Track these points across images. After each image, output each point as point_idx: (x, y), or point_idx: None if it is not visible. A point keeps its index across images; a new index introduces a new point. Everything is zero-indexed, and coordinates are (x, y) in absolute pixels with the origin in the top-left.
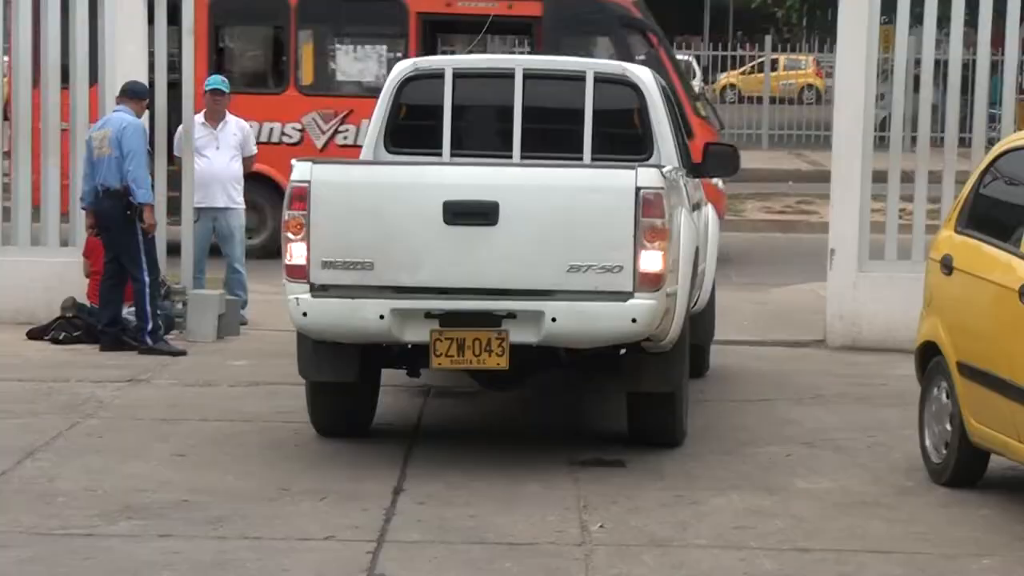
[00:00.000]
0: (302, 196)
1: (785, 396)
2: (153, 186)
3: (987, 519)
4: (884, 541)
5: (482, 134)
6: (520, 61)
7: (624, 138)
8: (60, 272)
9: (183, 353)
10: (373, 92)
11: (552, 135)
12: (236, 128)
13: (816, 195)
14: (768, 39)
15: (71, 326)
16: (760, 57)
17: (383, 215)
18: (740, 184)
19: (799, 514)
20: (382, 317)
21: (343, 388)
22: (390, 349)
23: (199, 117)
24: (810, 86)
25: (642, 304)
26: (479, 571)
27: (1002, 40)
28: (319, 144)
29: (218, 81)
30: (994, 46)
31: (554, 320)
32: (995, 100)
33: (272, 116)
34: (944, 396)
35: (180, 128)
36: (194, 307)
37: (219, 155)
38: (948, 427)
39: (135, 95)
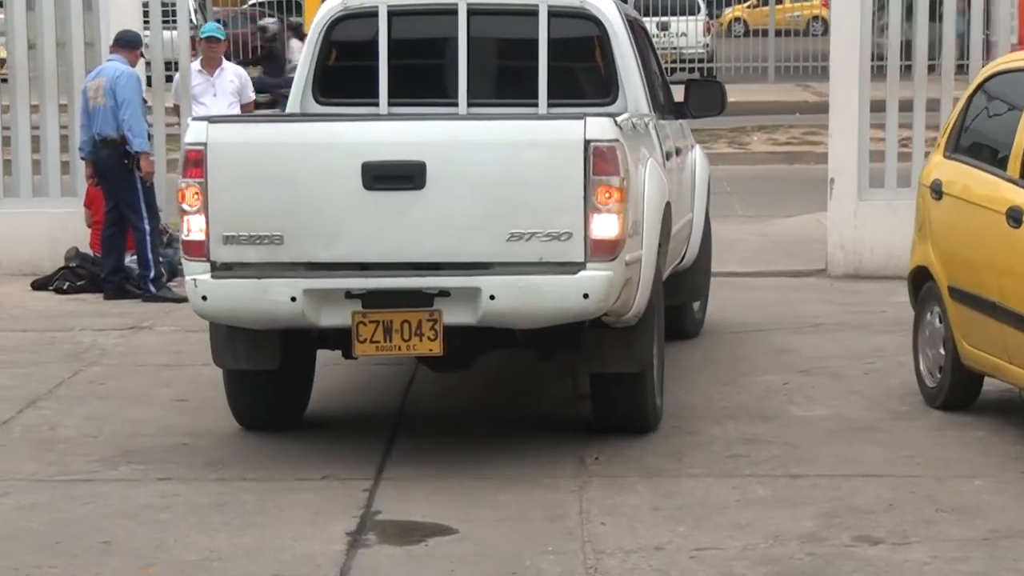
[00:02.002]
0: (198, 161)
1: (784, 326)
2: (150, 135)
3: (980, 441)
4: (877, 465)
5: (424, 81)
6: None
7: (585, 81)
8: (63, 222)
9: (185, 300)
10: None
11: (503, 80)
12: (233, 75)
13: (822, 126)
14: None
15: (74, 276)
16: None
17: (293, 181)
18: (745, 117)
19: (793, 441)
20: (294, 299)
21: (265, 377)
22: (311, 332)
23: (195, 65)
24: (816, 17)
25: (595, 276)
26: (476, 505)
27: None
28: None
29: (213, 28)
30: None
31: (493, 297)
32: None
33: None
34: (937, 321)
35: (177, 76)
36: None
37: (216, 102)
38: (941, 351)
39: (128, 44)
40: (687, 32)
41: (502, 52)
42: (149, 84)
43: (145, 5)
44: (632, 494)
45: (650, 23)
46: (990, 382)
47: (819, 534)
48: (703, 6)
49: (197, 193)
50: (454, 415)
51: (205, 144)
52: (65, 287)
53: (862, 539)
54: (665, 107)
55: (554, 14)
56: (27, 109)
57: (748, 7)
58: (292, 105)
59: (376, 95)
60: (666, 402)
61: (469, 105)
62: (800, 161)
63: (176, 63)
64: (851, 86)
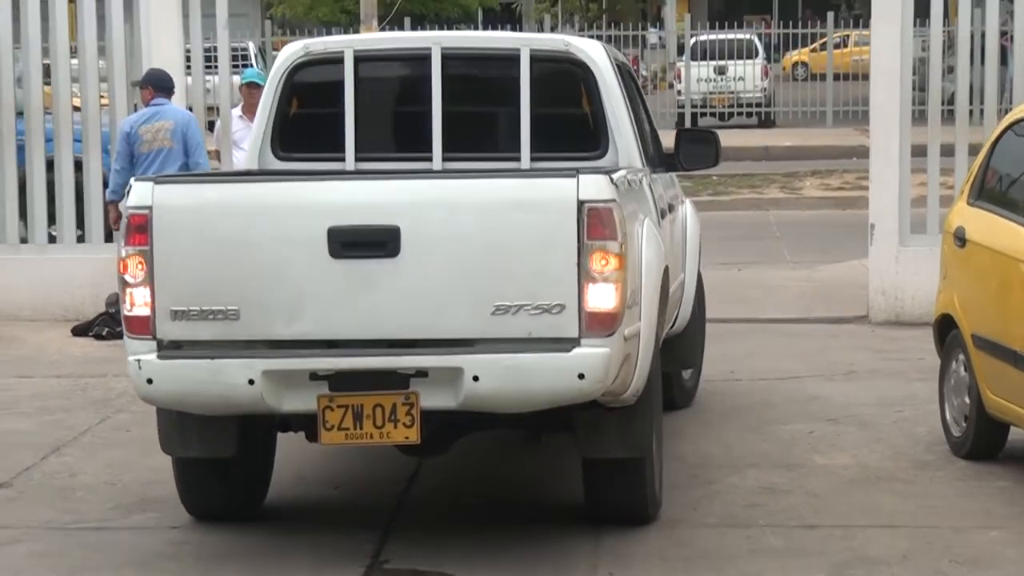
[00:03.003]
0: (142, 227)
1: (817, 373)
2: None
3: (1003, 491)
4: (895, 515)
5: (393, 133)
6: (438, 38)
7: (572, 132)
8: (105, 268)
9: None
10: None
11: (481, 131)
12: None
13: None
14: (831, 16)
15: (114, 322)
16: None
17: (250, 248)
18: (800, 162)
19: (813, 490)
20: (252, 382)
21: (220, 464)
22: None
23: (236, 111)
24: None
25: (592, 354)
26: (485, 555)
27: None
28: None
29: (254, 74)
30: None
31: (476, 378)
32: None
33: None
34: (962, 369)
35: (218, 122)
36: None
37: None
38: (967, 400)
39: (170, 89)
40: (744, 76)
41: (480, 101)
42: None
43: (187, 51)
44: (642, 544)
45: (707, 67)
46: (1017, 431)
47: None
48: (761, 50)
49: (141, 263)
50: (473, 465)
51: (150, 207)
52: (104, 333)
53: None
54: (655, 158)
55: (536, 59)
56: (71, 156)
57: (811, 51)
58: (249, 161)
59: (341, 149)
60: (687, 450)
61: (444, 159)
62: (853, 207)
63: (217, 108)
64: (892, 131)
